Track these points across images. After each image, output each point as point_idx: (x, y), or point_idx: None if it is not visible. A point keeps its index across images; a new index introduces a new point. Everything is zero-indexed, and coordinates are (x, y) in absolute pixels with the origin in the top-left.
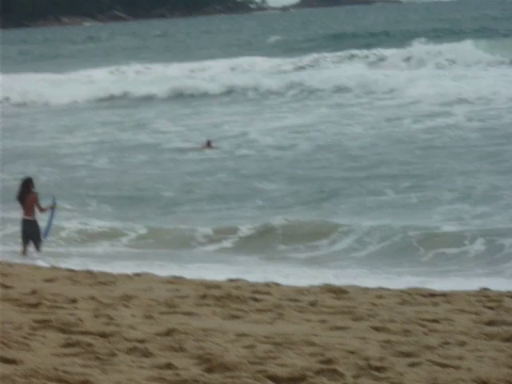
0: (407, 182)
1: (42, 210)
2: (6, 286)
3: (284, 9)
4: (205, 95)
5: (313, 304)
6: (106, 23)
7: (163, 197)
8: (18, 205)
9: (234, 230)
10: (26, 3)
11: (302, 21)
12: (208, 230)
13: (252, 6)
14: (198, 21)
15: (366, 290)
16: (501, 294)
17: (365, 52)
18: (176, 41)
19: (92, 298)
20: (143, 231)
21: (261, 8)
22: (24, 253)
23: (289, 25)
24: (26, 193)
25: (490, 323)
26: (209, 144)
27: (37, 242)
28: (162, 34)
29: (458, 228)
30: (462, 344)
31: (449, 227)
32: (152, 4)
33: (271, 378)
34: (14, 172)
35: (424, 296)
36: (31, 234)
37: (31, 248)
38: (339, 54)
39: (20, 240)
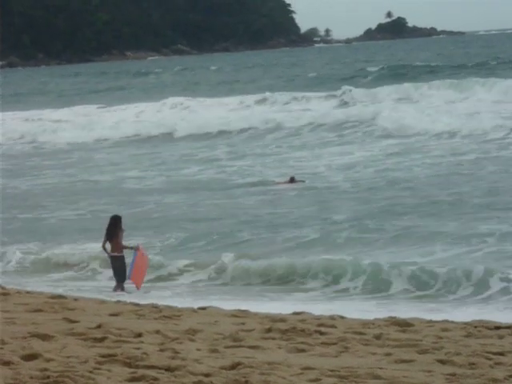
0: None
1: (122, 246)
2: (71, 321)
3: (347, 41)
4: (253, 130)
5: (378, 337)
6: (171, 57)
7: (236, 231)
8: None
9: (295, 263)
10: (90, 38)
11: (360, 53)
12: (269, 264)
13: (316, 38)
14: (259, 55)
15: (431, 322)
16: None
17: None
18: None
19: (157, 332)
20: (207, 266)
21: (325, 41)
22: (116, 288)
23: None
24: (115, 230)
25: None
26: (292, 180)
27: (120, 278)
28: (217, 69)
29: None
30: None
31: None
32: (216, 38)
33: None
34: (83, 207)
35: (489, 329)
36: (117, 269)
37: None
38: (379, 89)
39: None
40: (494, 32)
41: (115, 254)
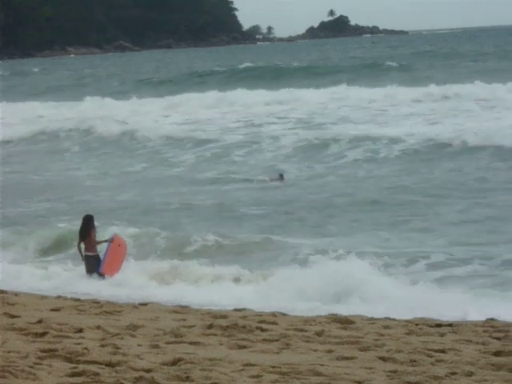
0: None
1: (96, 242)
2: (12, 316)
3: (290, 39)
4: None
5: (319, 334)
6: (113, 53)
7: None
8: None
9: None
10: (32, 33)
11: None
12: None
13: (258, 36)
14: (195, 52)
15: (372, 320)
16: (507, 325)
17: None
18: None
19: (98, 327)
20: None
21: (267, 38)
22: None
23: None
24: (87, 229)
25: (497, 353)
26: (281, 177)
27: (99, 276)
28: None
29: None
30: (469, 374)
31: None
32: (159, 34)
33: None
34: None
35: (430, 326)
36: (93, 268)
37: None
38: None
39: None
40: (443, 31)
41: (89, 253)
